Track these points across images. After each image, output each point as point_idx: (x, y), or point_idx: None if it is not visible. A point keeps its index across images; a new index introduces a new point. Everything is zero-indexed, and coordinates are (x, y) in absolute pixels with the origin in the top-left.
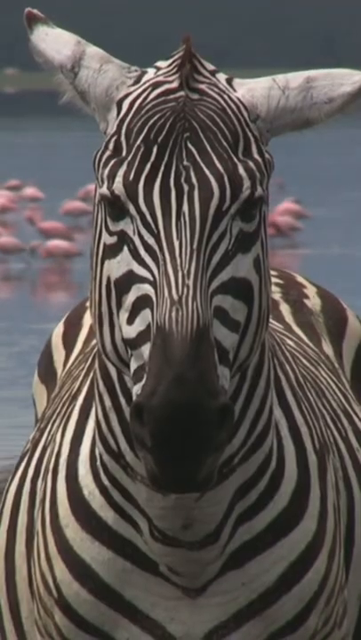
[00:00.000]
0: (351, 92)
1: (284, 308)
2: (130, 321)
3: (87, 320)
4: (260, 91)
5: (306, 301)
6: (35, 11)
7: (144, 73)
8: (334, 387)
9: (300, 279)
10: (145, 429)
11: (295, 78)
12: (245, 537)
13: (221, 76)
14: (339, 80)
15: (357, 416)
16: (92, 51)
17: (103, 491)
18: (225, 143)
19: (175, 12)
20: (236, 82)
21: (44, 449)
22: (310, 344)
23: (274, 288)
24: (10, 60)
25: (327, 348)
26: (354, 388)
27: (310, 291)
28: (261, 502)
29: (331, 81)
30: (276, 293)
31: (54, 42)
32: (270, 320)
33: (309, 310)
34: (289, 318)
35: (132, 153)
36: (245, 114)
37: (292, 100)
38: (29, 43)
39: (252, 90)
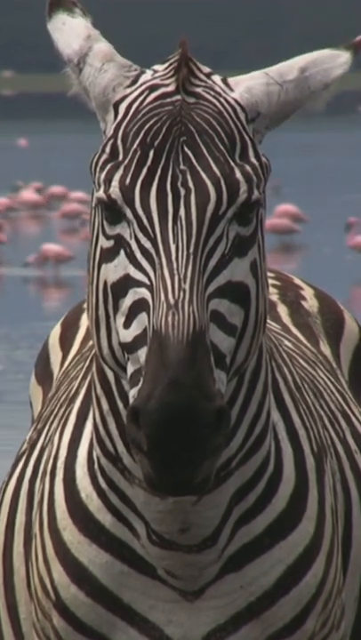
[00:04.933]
0: (341, 74)
1: (282, 310)
2: (126, 325)
3: (84, 321)
4: (258, 87)
5: (303, 303)
6: None
7: (142, 73)
8: (332, 388)
9: (297, 281)
10: (141, 433)
11: (289, 70)
12: (244, 540)
13: (217, 78)
14: (328, 64)
15: (356, 417)
16: (98, 48)
17: (101, 494)
18: (222, 147)
19: (173, 14)
20: (231, 81)
21: (42, 450)
22: (308, 345)
23: (271, 289)
24: (7, 63)
25: (325, 349)
26: (352, 389)
27: (308, 292)
28: (259, 505)
29: (321, 66)
30: (273, 295)
31: (68, 33)
32: (268, 321)
33: (307, 312)
34: (286, 319)
35: (129, 157)
36: (242, 116)
37: (292, 93)
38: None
39: (251, 88)
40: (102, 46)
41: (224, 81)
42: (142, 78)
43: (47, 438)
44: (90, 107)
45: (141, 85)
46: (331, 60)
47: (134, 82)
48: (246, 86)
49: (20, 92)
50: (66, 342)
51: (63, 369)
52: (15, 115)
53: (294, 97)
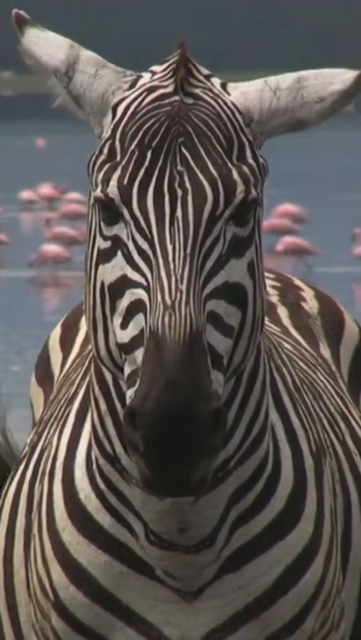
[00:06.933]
0: (342, 90)
1: (282, 311)
2: (123, 326)
3: (85, 323)
4: (252, 93)
5: (303, 304)
6: (22, 12)
7: (139, 77)
8: (332, 390)
9: (297, 282)
10: (138, 434)
11: (286, 79)
12: (242, 540)
13: (216, 81)
14: (329, 79)
15: (355, 419)
16: (87, 55)
17: (99, 494)
18: (219, 148)
19: (172, 14)
20: (230, 86)
21: (42, 452)
22: (308, 347)
23: (271, 291)
24: (6, 63)
25: (325, 350)
26: (351, 390)
27: (308, 293)
28: (258, 506)
29: (321, 80)
30: (273, 296)
31: (47, 45)
32: (267, 323)
33: (307, 313)
34: (286, 321)
35: (127, 157)
36: (240, 118)
37: (283, 100)
38: (20, 45)
39: (246, 93)
40: (91, 53)
41: (223, 85)
42: (140, 81)
43: (47, 440)
44: (79, 115)
45: (140, 87)
46: (335, 76)
47: (132, 85)
48: (242, 91)
49: (19, 92)
50: (66, 344)
51: (64, 371)
52: (15, 115)
53: (286, 105)
